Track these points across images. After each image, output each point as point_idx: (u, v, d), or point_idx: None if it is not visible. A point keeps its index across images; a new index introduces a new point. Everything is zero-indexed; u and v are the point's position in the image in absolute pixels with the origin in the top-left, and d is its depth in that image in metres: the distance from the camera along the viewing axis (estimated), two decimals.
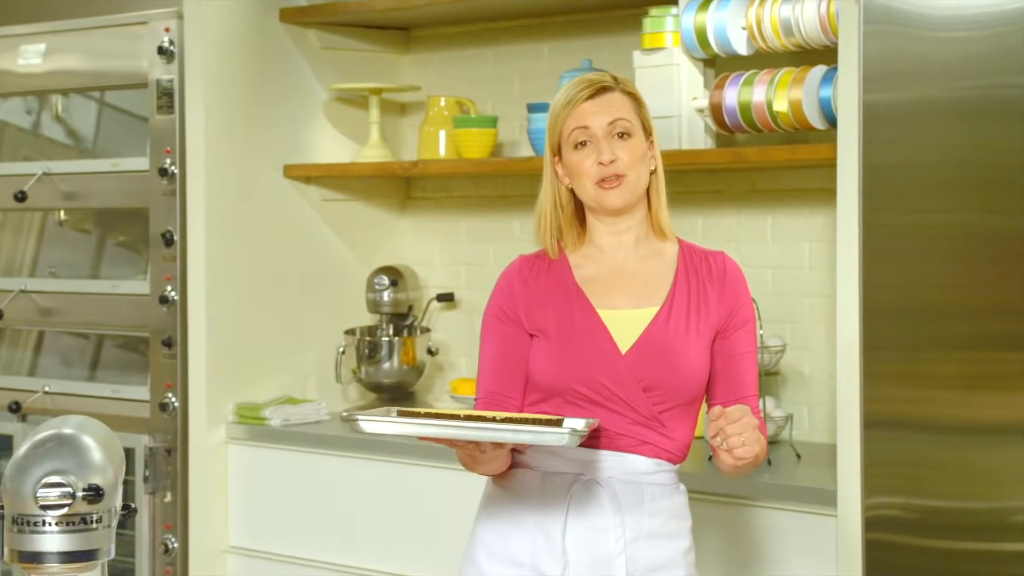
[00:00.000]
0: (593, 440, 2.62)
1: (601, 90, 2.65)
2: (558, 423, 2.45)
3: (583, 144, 2.63)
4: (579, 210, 2.71)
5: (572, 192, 2.69)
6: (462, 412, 2.55)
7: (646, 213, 2.70)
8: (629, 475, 2.62)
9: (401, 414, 2.48)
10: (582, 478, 2.62)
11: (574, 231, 2.71)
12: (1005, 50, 2.74)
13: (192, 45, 4.09)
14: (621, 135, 2.63)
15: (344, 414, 2.50)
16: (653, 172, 2.69)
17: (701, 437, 3.69)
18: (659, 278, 2.67)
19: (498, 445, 2.48)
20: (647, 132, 2.68)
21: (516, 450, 2.66)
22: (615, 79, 2.68)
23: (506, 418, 2.46)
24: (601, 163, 2.61)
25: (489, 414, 2.51)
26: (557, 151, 2.68)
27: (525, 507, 2.65)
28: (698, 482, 3.26)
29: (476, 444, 2.48)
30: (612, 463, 2.62)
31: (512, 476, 2.68)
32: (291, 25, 4.28)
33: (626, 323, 2.63)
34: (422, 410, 2.48)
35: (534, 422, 2.45)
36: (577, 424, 2.47)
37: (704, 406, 2.72)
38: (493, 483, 2.72)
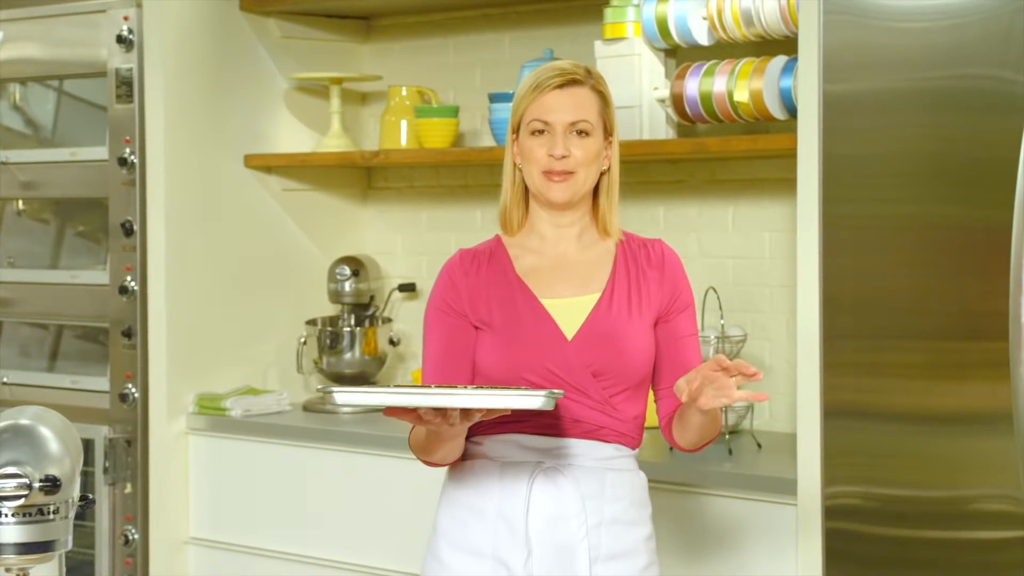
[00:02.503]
0: (551, 428, 2.62)
1: (571, 82, 2.65)
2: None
3: (540, 132, 2.63)
4: (527, 195, 2.72)
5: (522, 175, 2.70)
6: (431, 386, 2.52)
7: (589, 210, 2.70)
8: (590, 461, 2.63)
9: None
10: (543, 466, 2.63)
11: (519, 213, 2.71)
12: (965, 41, 2.75)
13: (151, 34, 4.07)
14: (580, 133, 2.63)
15: (319, 387, 2.49)
16: (606, 172, 2.69)
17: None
18: (599, 265, 2.68)
19: (466, 416, 2.46)
20: (608, 132, 2.68)
21: (473, 441, 2.65)
22: (589, 72, 2.68)
23: (475, 389, 2.44)
24: (552, 155, 2.61)
25: (459, 386, 2.49)
26: (516, 131, 2.68)
27: (486, 497, 2.65)
28: (659, 471, 3.27)
29: (444, 417, 2.45)
30: (572, 450, 2.63)
31: (471, 468, 2.67)
32: (251, 14, 4.26)
33: (569, 310, 2.64)
34: (392, 385, 2.47)
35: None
36: (553, 389, 2.44)
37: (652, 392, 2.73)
38: (452, 474, 2.71)
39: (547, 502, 2.62)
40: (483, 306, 2.66)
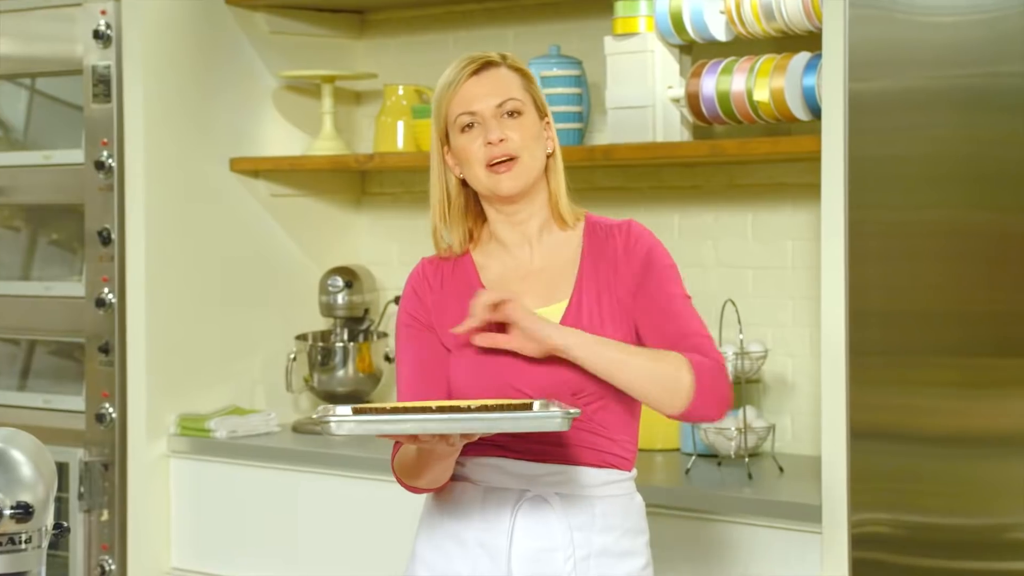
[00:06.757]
0: (536, 453, 2.60)
1: (486, 66, 2.65)
2: (528, 407, 2.43)
3: (470, 127, 2.62)
4: (476, 204, 2.70)
5: (463, 185, 2.68)
6: (433, 404, 2.47)
7: (547, 199, 2.68)
8: (579, 489, 2.61)
9: (359, 411, 2.45)
10: (528, 494, 2.61)
11: (463, 229, 2.70)
12: (999, 36, 2.76)
13: (130, 29, 4.08)
14: (511, 113, 2.62)
15: (315, 415, 2.47)
16: (551, 155, 2.68)
17: (674, 449, 3.70)
18: (565, 268, 2.66)
19: (465, 436, 2.45)
20: (541, 112, 2.67)
21: (457, 462, 2.64)
22: (502, 56, 2.68)
23: (481, 406, 2.42)
24: (490, 143, 2.60)
25: (463, 403, 2.46)
26: (445, 139, 2.67)
27: (467, 524, 2.64)
28: (675, 497, 3.26)
29: (443, 437, 2.44)
30: (560, 477, 2.61)
31: (452, 491, 2.66)
32: (238, 8, 4.27)
33: None
34: (387, 405, 2.45)
35: (508, 408, 2.41)
36: (569, 408, 2.43)
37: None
38: (432, 498, 2.70)
39: (532, 535, 2.60)
40: (448, 323, 2.63)
